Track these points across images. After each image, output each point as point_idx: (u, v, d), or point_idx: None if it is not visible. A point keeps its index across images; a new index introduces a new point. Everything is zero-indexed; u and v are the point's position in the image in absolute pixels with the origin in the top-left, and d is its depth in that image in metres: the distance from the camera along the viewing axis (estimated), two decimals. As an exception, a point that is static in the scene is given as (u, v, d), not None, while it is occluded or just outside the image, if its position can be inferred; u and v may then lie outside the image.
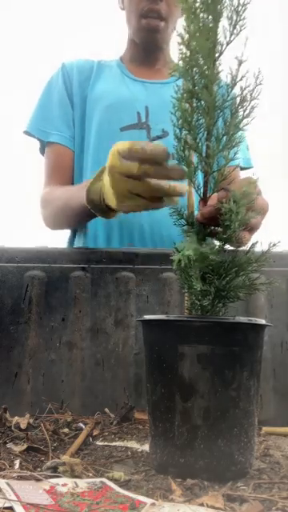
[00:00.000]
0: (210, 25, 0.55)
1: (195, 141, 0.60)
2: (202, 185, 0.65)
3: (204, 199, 0.65)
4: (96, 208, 0.93)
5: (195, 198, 0.70)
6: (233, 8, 0.54)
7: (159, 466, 0.62)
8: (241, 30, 0.55)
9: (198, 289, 0.64)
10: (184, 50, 0.57)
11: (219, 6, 0.53)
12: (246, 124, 0.60)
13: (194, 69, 0.57)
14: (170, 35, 1.30)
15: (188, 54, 0.56)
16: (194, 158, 0.63)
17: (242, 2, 0.54)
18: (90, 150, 1.24)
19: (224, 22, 0.55)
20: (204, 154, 0.61)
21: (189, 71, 0.57)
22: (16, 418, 0.80)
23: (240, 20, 0.54)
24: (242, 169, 1.35)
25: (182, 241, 0.67)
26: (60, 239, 1.30)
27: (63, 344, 0.94)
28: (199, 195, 0.67)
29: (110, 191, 0.82)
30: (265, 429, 0.82)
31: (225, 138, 0.59)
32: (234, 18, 0.54)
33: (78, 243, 1.24)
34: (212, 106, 0.56)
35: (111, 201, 0.84)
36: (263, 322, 0.64)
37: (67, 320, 0.95)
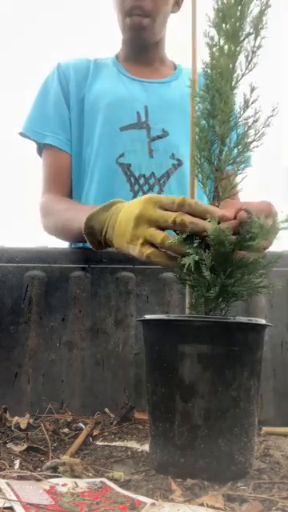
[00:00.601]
0: (230, 60, 0.65)
1: (209, 151, 0.67)
2: (212, 190, 0.71)
3: (214, 204, 0.70)
4: (91, 236, 0.89)
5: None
6: (249, 48, 0.65)
7: (159, 465, 0.62)
8: (254, 67, 0.66)
9: (208, 277, 0.64)
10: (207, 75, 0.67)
11: (240, 46, 0.65)
12: (256, 146, 0.68)
13: (214, 92, 0.66)
14: (160, 32, 1.27)
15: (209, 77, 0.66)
16: (206, 167, 0.69)
17: (257, 45, 0.65)
18: (92, 150, 1.23)
19: (242, 57, 0.66)
20: (216, 164, 0.68)
21: (209, 93, 0.67)
22: (16, 418, 0.80)
23: (255, 57, 0.66)
24: None
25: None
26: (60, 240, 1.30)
27: (63, 344, 0.94)
28: (209, 200, 0.71)
29: (121, 231, 0.79)
30: (265, 429, 0.82)
31: (235, 151, 0.67)
32: (250, 56, 0.65)
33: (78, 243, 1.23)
34: (227, 122, 0.66)
35: (116, 240, 0.81)
36: (263, 321, 0.64)
37: (67, 320, 0.95)
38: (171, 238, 0.71)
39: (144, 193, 1.20)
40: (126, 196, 1.19)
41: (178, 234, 0.70)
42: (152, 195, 0.77)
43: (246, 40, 0.65)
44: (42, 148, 1.28)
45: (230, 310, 0.68)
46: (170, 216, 0.71)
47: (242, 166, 0.68)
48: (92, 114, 1.24)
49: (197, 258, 0.64)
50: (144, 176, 1.21)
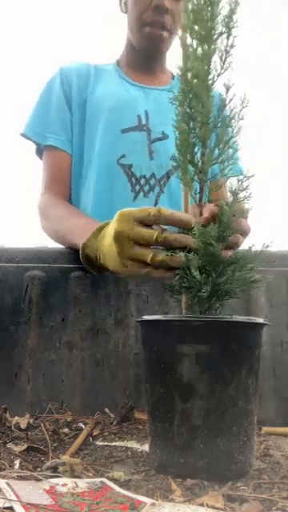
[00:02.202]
0: (204, 61, 0.66)
1: (192, 155, 0.68)
2: (198, 191, 0.71)
3: (199, 205, 0.71)
4: (89, 264, 0.89)
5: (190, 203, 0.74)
6: (223, 48, 0.66)
7: (159, 466, 0.62)
8: (229, 66, 0.66)
9: (198, 277, 0.64)
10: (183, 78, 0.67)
11: (213, 46, 0.66)
12: (235, 142, 0.69)
13: (191, 95, 0.67)
14: (172, 44, 1.31)
15: (186, 81, 0.67)
16: (191, 169, 0.70)
17: (230, 44, 0.66)
18: (93, 151, 1.24)
19: (216, 58, 0.67)
20: (199, 166, 0.69)
21: (186, 98, 0.67)
22: (16, 418, 0.80)
23: (228, 56, 0.66)
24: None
25: None
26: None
27: (63, 344, 0.94)
28: (195, 201, 0.71)
29: (111, 255, 0.78)
30: (265, 429, 0.82)
31: (217, 151, 0.68)
32: (224, 56, 0.66)
33: None
34: (206, 124, 0.66)
35: (109, 263, 0.80)
36: (261, 320, 0.64)
37: (67, 320, 0.95)
38: (159, 254, 0.70)
39: (144, 193, 1.21)
40: (127, 196, 1.20)
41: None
42: (123, 211, 0.75)
43: (219, 40, 0.65)
44: (42, 149, 1.28)
45: (224, 308, 0.69)
46: (151, 234, 0.71)
47: (226, 164, 0.69)
48: (94, 116, 1.25)
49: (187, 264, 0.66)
50: (145, 177, 1.22)
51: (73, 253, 1.00)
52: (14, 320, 0.94)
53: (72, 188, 1.27)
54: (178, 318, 0.66)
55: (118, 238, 0.74)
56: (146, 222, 0.73)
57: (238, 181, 0.68)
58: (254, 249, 0.70)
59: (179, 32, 0.68)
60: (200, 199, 0.70)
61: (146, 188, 1.22)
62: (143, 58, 1.33)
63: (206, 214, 0.71)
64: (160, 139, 1.25)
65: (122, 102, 1.26)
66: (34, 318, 0.94)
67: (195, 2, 0.65)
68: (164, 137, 1.25)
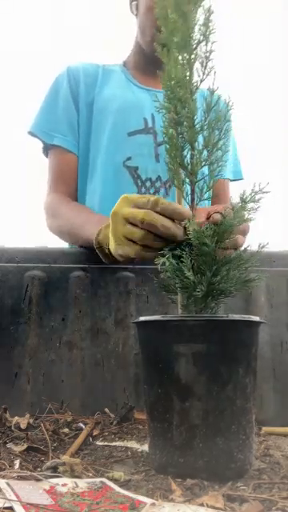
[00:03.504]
0: (186, 69, 0.69)
1: (181, 158, 0.71)
2: (189, 193, 0.73)
3: (192, 206, 0.73)
4: (100, 250, 0.92)
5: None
6: (202, 54, 0.69)
7: (159, 466, 0.62)
8: (210, 71, 0.69)
9: (191, 278, 0.65)
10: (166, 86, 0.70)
11: (192, 55, 0.69)
12: (224, 144, 0.71)
13: (176, 101, 0.70)
14: None
15: (170, 88, 0.70)
16: (182, 172, 0.72)
17: (209, 50, 0.69)
18: (100, 152, 1.24)
19: (197, 64, 0.70)
20: (189, 168, 0.71)
21: (172, 103, 0.70)
22: (16, 418, 0.80)
23: (209, 61, 0.69)
24: (233, 181, 1.39)
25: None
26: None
27: (63, 344, 0.94)
28: (187, 203, 0.73)
29: (111, 236, 0.82)
30: (265, 429, 0.82)
31: (205, 152, 0.71)
32: (205, 62, 0.69)
33: None
34: (192, 127, 0.69)
35: (110, 245, 0.84)
36: (257, 318, 0.64)
37: (67, 320, 0.95)
38: (149, 236, 0.73)
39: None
40: None
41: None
42: (126, 195, 0.80)
43: (198, 47, 0.69)
44: (48, 148, 1.28)
45: (223, 308, 0.69)
46: (138, 213, 0.74)
47: (216, 166, 0.71)
48: (101, 117, 1.25)
49: (167, 262, 0.67)
50: (150, 179, 1.23)
51: (73, 253, 1.01)
52: (14, 320, 0.94)
53: (78, 188, 1.28)
54: (173, 318, 0.66)
55: (113, 216, 0.79)
56: (142, 208, 0.75)
57: (253, 192, 0.69)
58: (250, 249, 0.72)
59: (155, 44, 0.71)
60: (192, 200, 0.72)
61: (152, 190, 1.22)
62: (152, 61, 1.33)
63: (202, 218, 0.73)
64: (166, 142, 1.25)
65: (128, 104, 1.27)
66: (33, 318, 0.94)
67: (169, 16, 0.68)
68: None
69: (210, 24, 0.68)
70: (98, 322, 0.95)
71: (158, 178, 1.23)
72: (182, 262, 0.67)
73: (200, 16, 0.68)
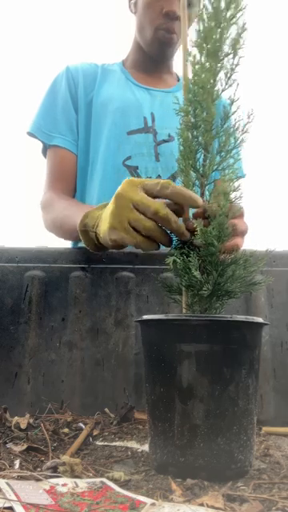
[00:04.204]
0: (211, 73, 0.70)
1: (194, 160, 0.71)
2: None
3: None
4: (84, 234, 0.89)
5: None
6: (228, 66, 0.71)
7: (159, 465, 0.62)
8: (233, 83, 0.72)
9: (198, 276, 0.65)
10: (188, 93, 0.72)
11: (219, 64, 0.71)
12: (237, 152, 0.72)
13: (196, 106, 0.71)
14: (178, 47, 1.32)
15: (192, 91, 0.71)
16: (192, 175, 0.73)
17: (235, 63, 0.71)
18: (99, 151, 1.24)
19: (222, 74, 0.71)
20: (201, 171, 0.72)
21: (193, 106, 0.72)
22: (16, 418, 0.80)
23: (233, 73, 0.71)
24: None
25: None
26: (60, 239, 1.30)
27: (63, 344, 0.94)
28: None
29: (107, 218, 0.78)
30: (265, 429, 0.82)
31: (218, 158, 0.71)
32: (229, 73, 0.71)
33: (79, 243, 1.24)
34: (209, 131, 0.71)
35: (103, 227, 0.80)
36: (260, 320, 0.64)
37: (67, 320, 0.95)
38: (158, 229, 0.72)
39: None
40: None
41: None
42: (133, 178, 0.77)
43: (226, 59, 0.71)
44: (47, 148, 1.28)
45: (225, 308, 0.69)
46: (152, 204, 0.71)
47: (227, 172, 0.72)
48: (100, 117, 1.26)
49: (178, 260, 0.67)
50: (150, 178, 1.22)
51: (73, 253, 1.00)
52: (14, 320, 0.94)
53: (78, 188, 1.28)
54: (177, 317, 0.66)
55: (119, 198, 0.75)
56: (151, 192, 0.73)
57: (228, 181, 0.70)
58: (256, 251, 0.73)
59: (187, 46, 0.72)
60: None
61: None
62: (151, 60, 1.33)
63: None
64: (166, 141, 1.25)
65: (127, 103, 1.27)
66: (33, 318, 0.94)
67: (206, 23, 0.70)
68: (170, 139, 1.26)
69: (240, 40, 0.70)
70: (98, 322, 0.95)
71: (158, 177, 1.23)
72: (189, 261, 0.67)
73: (233, 31, 0.71)
